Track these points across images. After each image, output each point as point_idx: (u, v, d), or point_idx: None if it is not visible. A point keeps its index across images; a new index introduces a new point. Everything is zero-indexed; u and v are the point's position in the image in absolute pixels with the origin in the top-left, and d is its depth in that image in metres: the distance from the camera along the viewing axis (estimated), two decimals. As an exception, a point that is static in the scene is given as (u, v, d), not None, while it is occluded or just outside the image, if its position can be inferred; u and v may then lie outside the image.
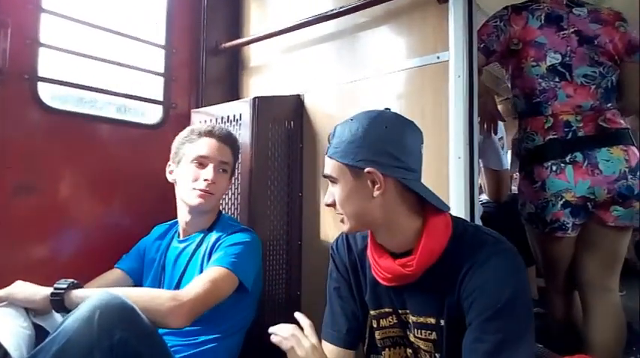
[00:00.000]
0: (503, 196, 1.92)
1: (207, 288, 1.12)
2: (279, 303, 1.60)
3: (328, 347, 1.00)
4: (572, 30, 1.47)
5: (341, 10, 1.54)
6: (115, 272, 1.39)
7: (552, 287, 1.63)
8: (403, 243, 0.90)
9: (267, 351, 1.46)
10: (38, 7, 1.45)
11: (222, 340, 1.26)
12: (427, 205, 0.91)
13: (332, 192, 0.94)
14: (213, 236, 1.31)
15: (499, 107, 2.22)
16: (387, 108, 0.94)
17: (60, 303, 1.02)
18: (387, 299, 0.96)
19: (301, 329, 0.93)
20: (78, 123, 1.56)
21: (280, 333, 0.93)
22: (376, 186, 0.87)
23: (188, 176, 1.32)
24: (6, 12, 1.36)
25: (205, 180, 1.30)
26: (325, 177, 0.96)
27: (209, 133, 1.35)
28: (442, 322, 0.88)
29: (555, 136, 1.45)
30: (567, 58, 1.46)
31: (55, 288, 1.04)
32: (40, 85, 1.45)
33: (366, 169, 0.86)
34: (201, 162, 1.32)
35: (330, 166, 0.93)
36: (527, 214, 1.54)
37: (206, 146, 1.33)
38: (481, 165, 1.87)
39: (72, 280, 1.07)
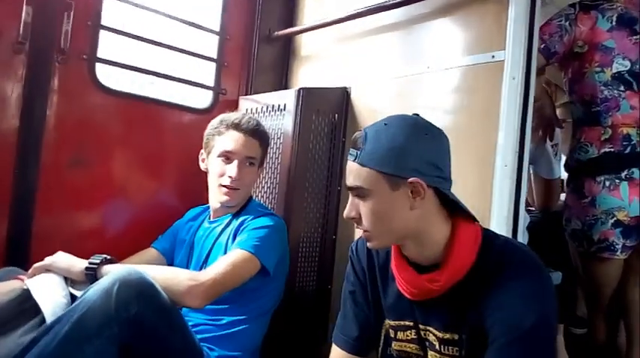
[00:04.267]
0: (552, 206, 1.80)
1: (226, 270, 1.15)
2: (309, 295, 1.60)
3: (337, 352, 0.99)
4: None
5: (396, 1, 1.49)
6: (151, 251, 1.46)
7: (595, 310, 1.53)
8: (432, 254, 0.86)
9: (292, 340, 1.50)
10: (101, -10, 1.51)
11: (247, 322, 1.29)
12: (456, 213, 0.87)
13: (356, 205, 0.85)
14: (240, 218, 1.34)
15: (558, 110, 2.08)
16: (415, 114, 0.89)
17: (93, 277, 1.08)
18: (410, 312, 0.92)
19: None
20: (131, 104, 1.63)
21: None
22: (418, 197, 0.82)
23: (215, 169, 1.36)
24: (70, -6, 1.43)
25: (230, 176, 1.32)
26: (351, 189, 0.85)
27: (236, 126, 1.36)
28: (464, 337, 0.85)
29: (612, 149, 1.33)
30: (637, 66, 1.33)
31: (90, 263, 1.10)
32: (98, 66, 1.52)
33: (410, 179, 0.81)
34: (227, 157, 1.35)
35: (360, 176, 0.83)
36: (572, 231, 1.44)
37: (233, 141, 1.35)
38: (530, 171, 1.77)
39: (105, 255, 1.12)
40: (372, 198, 0.83)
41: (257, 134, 1.38)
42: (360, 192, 0.84)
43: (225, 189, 1.34)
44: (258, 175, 1.47)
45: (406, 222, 0.84)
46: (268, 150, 1.50)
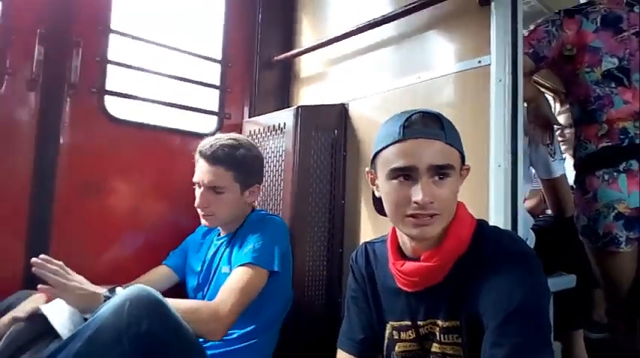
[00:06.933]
0: (566, 209, 1.75)
1: (240, 296, 1.20)
2: (320, 310, 1.61)
3: (343, 355, 1.01)
4: (633, 31, 1.36)
5: (384, 17, 1.55)
6: (162, 268, 1.52)
7: (613, 309, 1.49)
8: (433, 241, 0.89)
9: (302, 354, 1.50)
10: (107, 27, 1.61)
11: (257, 335, 1.32)
12: None
13: (432, 188, 0.81)
14: (242, 233, 1.39)
15: (561, 117, 2.08)
16: None
17: None
18: (408, 311, 0.94)
19: None
20: (139, 132, 1.70)
21: None
22: (462, 182, 0.90)
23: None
24: (79, 33, 1.52)
25: (198, 206, 1.37)
26: (442, 168, 0.82)
27: (200, 153, 1.38)
28: (463, 323, 0.86)
29: (609, 144, 1.34)
30: (625, 62, 1.36)
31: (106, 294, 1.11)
32: (107, 98, 1.61)
33: (467, 164, 0.90)
34: (198, 185, 1.39)
35: (449, 155, 0.84)
36: (582, 227, 1.44)
37: (198, 169, 1.39)
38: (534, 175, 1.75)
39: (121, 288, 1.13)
40: (452, 178, 0.85)
41: (218, 160, 1.34)
42: (445, 172, 0.83)
43: (202, 214, 1.39)
44: (235, 200, 1.39)
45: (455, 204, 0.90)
46: (252, 170, 1.43)
